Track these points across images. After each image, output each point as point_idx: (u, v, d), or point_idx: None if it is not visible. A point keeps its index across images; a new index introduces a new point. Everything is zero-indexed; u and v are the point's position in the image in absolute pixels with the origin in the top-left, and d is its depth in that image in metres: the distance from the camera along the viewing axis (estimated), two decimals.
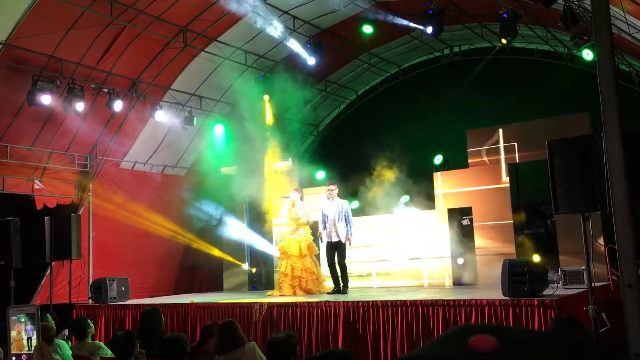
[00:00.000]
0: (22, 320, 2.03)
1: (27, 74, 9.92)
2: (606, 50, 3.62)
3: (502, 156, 10.81)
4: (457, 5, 11.22)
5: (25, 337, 1.93)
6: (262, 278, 12.45)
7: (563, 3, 8.92)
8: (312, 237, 10.19)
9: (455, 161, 12.08)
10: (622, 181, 3.67)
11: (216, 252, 13.34)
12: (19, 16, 9.24)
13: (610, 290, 7.77)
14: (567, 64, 12.97)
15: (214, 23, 11.30)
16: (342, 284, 9.54)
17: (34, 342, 1.93)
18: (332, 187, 9.88)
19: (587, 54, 10.38)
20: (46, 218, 9.92)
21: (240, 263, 13.00)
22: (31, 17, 9.26)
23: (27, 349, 1.99)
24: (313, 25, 12.25)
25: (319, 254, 10.38)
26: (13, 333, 1.98)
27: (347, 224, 9.56)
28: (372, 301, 7.47)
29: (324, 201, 9.99)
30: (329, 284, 10.04)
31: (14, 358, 2.04)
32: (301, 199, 10.21)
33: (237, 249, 13.12)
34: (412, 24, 11.60)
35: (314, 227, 10.40)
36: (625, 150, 3.67)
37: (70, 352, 6.31)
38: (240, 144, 12.40)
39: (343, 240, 9.54)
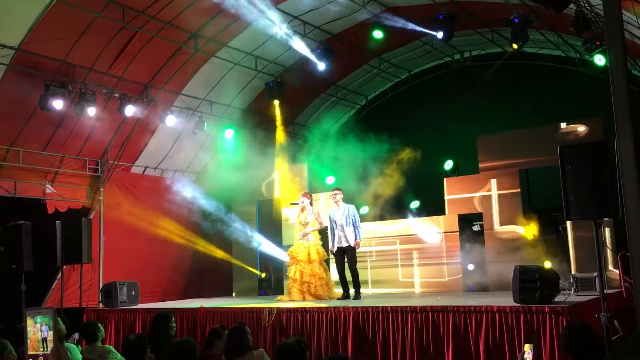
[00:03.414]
0: (38, 321, 2.04)
1: (39, 79, 10.00)
2: (618, 56, 3.61)
3: (513, 162, 10.75)
4: (467, 11, 11.20)
5: (40, 337, 1.94)
6: (272, 283, 12.46)
7: (575, 8, 8.88)
8: (321, 243, 10.18)
9: (466, 167, 12.04)
10: (634, 187, 3.64)
11: (226, 257, 13.37)
12: (31, 22, 9.32)
13: (623, 297, 7.71)
14: (578, 69, 12.90)
15: (225, 28, 11.35)
16: (354, 290, 9.51)
17: (49, 343, 1.93)
18: (336, 192, 9.90)
19: (599, 59, 10.33)
20: (57, 222, 9.98)
21: (250, 268, 13.02)
22: (43, 22, 9.34)
23: (42, 349, 1.99)
24: (323, 30, 12.27)
25: (328, 259, 10.37)
26: (29, 334, 1.99)
27: (355, 229, 9.56)
28: (382, 307, 7.44)
29: (332, 208, 9.99)
30: (339, 289, 10.02)
31: (30, 359, 2.05)
32: (310, 203, 10.22)
33: (246, 254, 13.14)
34: (422, 29, 11.59)
35: (323, 232, 10.40)
36: (638, 156, 3.65)
37: (80, 356, 6.32)
38: (251, 148, 12.43)
39: (352, 245, 9.54)
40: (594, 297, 7.41)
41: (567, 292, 7.44)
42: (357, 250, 9.76)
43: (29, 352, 1.93)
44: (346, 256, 9.66)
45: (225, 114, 13.64)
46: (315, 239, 10.08)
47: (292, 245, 10.40)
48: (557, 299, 6.98)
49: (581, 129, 10.31)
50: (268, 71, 12.99)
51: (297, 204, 10.19)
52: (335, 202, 9.87)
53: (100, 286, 10.77)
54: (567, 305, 6.45)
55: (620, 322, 5.84)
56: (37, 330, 1.93)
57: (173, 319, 6.68)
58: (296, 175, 12.56)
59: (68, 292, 10.81)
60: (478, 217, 10.96)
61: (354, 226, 9.56)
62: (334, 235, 9.81)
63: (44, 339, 1.93)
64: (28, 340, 1.94)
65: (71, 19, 9.62)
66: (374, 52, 13.87)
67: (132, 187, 12.82)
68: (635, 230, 3.42)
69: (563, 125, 10.47)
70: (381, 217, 12.07)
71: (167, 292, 13.02)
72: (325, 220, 10.24)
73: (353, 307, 7.70)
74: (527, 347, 4.00)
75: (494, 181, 10.86)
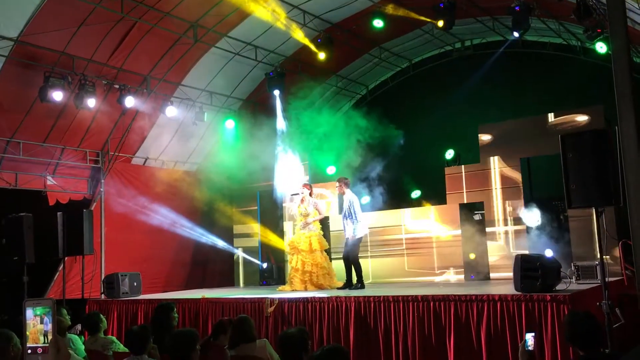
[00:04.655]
0: (38, 313, 2.03)
1: (38, 71, 9.96)
2: (621, 43, 3.58)
3: (515, 151, 10.72)
4: None
5: (41, 330, 1.93)
6: (274, 273, 12.49)
7: None
8: (321, 232, 10.20)
9: (467, 156, 12.01)
10: (637, 174, 3.63)
11: (227, 247, 13.38)
12: (30, 13, 9.27)
13: (624, 285, 7.72)
14: (580, 57, 12.84)
15: (224, 18, 11.29)
16: (355, 281, 9.50)
17: (50, 335, 1.93)
18: (337, 184, 9.89)
19: (601, 47, 10.27)
20: (59, 214, 9.99)
21: (251, 258, 13.05)
22: (42, 13, 9.29)
23: (42, 341, 1.99)
24: (323, 20, 12.20)
25: (329, 248, 10.37)
26: (29, 326, 1.99)
27: (352, 221, 9.50)
28: (384, 296, 7.46)
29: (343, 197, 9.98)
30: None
31: (29, 351, 2.04)
32: (310, 194, 10.21)
33: (248, 244, 13.16)
34: (423, 18, 11.53)
35: (323, 222, 10.41)
36: None
37: (83, 347, 6.35)
38: (251, 138, 12.41)
39: (347, 237, 9.54)
40: (595, 285, 7.42)
41: (569, 280, 7.44)
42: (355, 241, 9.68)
43: (29, 344, 1.93)
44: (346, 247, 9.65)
45: (225, 104, 13.61)
46: (316, 228, 10.09)
47: (292, 236, 10.42)
48: (559, 287, 6.99)
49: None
50: (268, 61, 12.94)
51: (297, 194, 10.20)
52: (341, 193, 9.85)
53: (102, 277, 10.80)
54: (568, 294, 6.46)
55: (622, 310, 5.84)
56: (38, 322, 1.93)
57: (175, 309, 6.71)
58: (297, 165, 12.55)
59: (70, 283, 10.83)
60: (479, 206, 10.95)
61: (351, 218, 9.52)
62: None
63: (46, 332, 1.93)
64: (28, 333, 1.94)
65: (70, 9, 9.57)
66: (375, 41, 13.80)
67: (133, 178, 12.81)
68: (637, 218, 3.41)
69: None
70: (382, 207, 12.06)
71: (169, 283, 13.05)
72: (325, 210, 10.25)
73: (355, 296, 7.72)
74: (529, 336, 4.00)
75: (495, 170, 10.84)
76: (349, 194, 9.72)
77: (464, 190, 11.16)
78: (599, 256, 6.15)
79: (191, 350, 4.26)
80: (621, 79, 3.28)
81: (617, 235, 8.64)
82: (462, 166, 11.52)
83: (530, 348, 3.99)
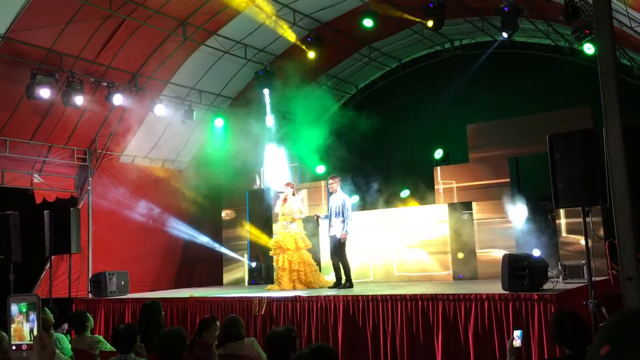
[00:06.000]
0: (24, 310, 2.01)
1: (26, 68, 9.89)
2: (607, 44, 3.61)
3: (503, 151, 10.77)
4: None
5: (26, 327, 1.91)
6: (262, 272, 12.46)
7: None
8: (304, 232, 10.18)
9: (456, 156, 12.05)
10: (622, 175, 3.66)
11: (216, 247, 13.34)
12: (17, 9, 9.20)
13: (611, 284, 7.77)
14: (568, 58, 12.92)
15: (214, 16, 11.26)
16: (344, 280, 9.49)
17: (35, 332, 1.91)
18: (331, 181, 9.86)
19: (589, 48, 10.34)
20: (46, 212, 9.92)
21: (240, 257, 13.01)
22: (30, 10, 9.22)
23: (28, 339, 1.97)
24: (313, 19, 12.20)
25: (311, 247, 10.34)
26: (13, 323, 1.97)
27: (343, 220, 9.49)
28: (372, 295, 7.47)
29: (332, 195, 9.92)
30: (328, 277, 10.02)
31: (14, 347, 2.02)
32: (293, 194, 10.19)
33: (237, 244, 13.12)
34: (412, 18, 11.56)
35: (305, 221, 10.42)
36: (626, 145, 3.67)
37: (69, 346, 6.31)
38: (241, 137, 12.39)
39: (338, 236, 9.51)
40: (582, 284, 7.47)
41: (556, 279, 7.49)
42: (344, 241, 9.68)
43: (14, 342, 1.91)
44: (336, 246, 9.63)
45: (214, 103, 13.57)
46: (299, 227, 10.07)
47: (275, 236, 10.39)
48: (546, 286, 7.03)
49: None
50: (257, 60, 12.92)
51: (282, 192, 10.18)
52: (332, 190, 9.84)
53: (90, 276, 10.74)
54: (555, 293, 6.50)
55: (608, 309, 5.89)
56: (23, 319, 1.91)
57: (162, 308, 6.69)
58: (286, 164, 12.53)
59: (57, 282, 10.77)
60: (468, 206, 10.99)
61: (342, 216, 9.51)
62: (329, 222, 9.76)
63: (31, 329, 1.91)
64: (12, 330, 1.92)
65: (57, 6, 9.51)
66: (364, 41, 13.81)
67: (121, 176, 12.74)
68: (622, 218, 3.45)
69: None
70: (371, 206, 12.08)
71: (157, 282, 13.00)
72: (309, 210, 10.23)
73: (343, 295, 7.72)
74: (517, 333, 4.03)
75: (483, 170, 10.88)
76: (340, 192, 9.70)
77: (453, 190, 11.19)
78: (585, 256, 6.19)
79: (180, 350, 4.25)
80: (607, 80, 3.30)
81: (604, 234, 8.71)
82: (451, 166, 11.56)
83: (519, 344, 4.02)
